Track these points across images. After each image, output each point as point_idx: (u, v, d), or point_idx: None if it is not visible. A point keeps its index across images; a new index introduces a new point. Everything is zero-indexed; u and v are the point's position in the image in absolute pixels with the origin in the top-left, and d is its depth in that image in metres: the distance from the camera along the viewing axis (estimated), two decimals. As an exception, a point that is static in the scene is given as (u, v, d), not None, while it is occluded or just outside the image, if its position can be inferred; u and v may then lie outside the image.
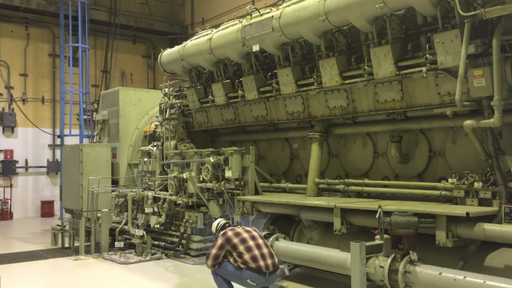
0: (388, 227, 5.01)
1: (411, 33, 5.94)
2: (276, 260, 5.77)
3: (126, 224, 9.54)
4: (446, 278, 4.52)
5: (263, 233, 6.74)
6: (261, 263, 5.59)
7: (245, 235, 5.78)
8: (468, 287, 4.37)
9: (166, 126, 9.71)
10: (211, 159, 7.76)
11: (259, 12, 7.30)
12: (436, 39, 5.39)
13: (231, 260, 5.68)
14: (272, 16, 6.90)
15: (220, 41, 7.88)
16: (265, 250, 5.72)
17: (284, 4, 6.91)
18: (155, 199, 9.26)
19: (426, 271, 4.69)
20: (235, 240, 5.69)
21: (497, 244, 4.99)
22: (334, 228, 6.02)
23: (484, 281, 4.29)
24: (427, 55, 5.54)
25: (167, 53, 9.41)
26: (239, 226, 5.97)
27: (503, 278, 4.29)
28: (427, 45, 5.62)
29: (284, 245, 6.44)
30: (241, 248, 5.63)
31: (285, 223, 7.34)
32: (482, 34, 5.16)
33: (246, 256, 5.59)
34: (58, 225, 10.55)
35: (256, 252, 5.65)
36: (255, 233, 5.87)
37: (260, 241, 5.81)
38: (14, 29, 16.42)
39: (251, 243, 5.71)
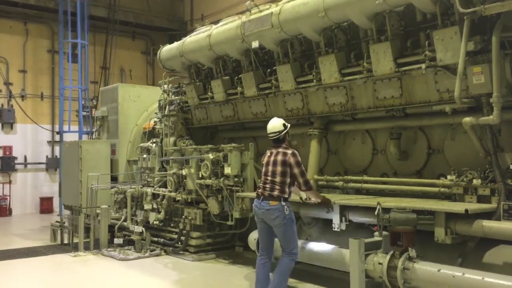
0: (387, 224, 5.02)
1: (411, 30, 5.95)
2: (275, 193, 5.50)
3: (125, 220, 9.54)
4: (445, 275, 4.53)
5: None
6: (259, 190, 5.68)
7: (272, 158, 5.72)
8: (466, 284, 4.38)
9: (165, 123, 9.71)
10: (210, 156, 7.76)
11: (258, 8, 7.29)
12: (436, 36, 5.39)
13: None
14: (272, 12, 6.89)
15: (219, 37, 7.87)
16: (267, 185, 5.59)
17: (284, 1, 6.89)
18: (154, 196, 9.27)
19: (425, 267, 4.70)
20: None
21: (496, 241, 5.00)
22: (333, 224, 6.03)
23: (483, 278, 4.30)
24: (427, 52, 5.54)
25: (166, 50, 9.40)
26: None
27: (502, 275, 4.31)
28: (427, 42, 5.62)
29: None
30: None
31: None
32: (481, 31, 5.16)
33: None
34: (57, 221, 10.55)
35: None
36: (270, 158, 5.69)
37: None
38: (13, 25, 16.36)
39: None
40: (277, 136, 5.75)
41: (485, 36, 5.12)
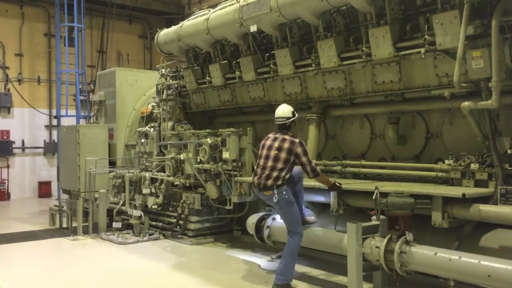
0: (384, 208, 5.04)
1: (410, 14, 5.90)
2: (269, 182, 5.54)
3: (123, 204, 9.56)
4: (441, 258, 4.57)
5: (261, 214, 6.79)
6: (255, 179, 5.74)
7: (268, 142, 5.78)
8: (463, 267, 4.42)
9: (163, 107, 9.69)
10: (209, 140, 7.76)
11: (257, -9, 7.22)
12: (435, 19, 5.35)
13: None
14: (270, -4, 6.83)
15: (217, 21, 7.81)
16: (265, 171, 5.62)
17: (282, -16, 6.82)
18: (153, 180, 9.28)
19: (422, 251, 4.73)
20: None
21: (493, 225, 5.04)
22: (331, 209, 6.06)
23: (479, 261, 4.34)
24: (426, 36, 5.51)
25: (164, 33, 9.33)
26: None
27: (498, 259, 4.34)
28: (426, 26, 5.59)
29: (280, 225, 6.46)
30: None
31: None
32: (481, 15, 5.13)
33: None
34: (55, 205, 10.58)
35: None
36: (275, 143, 5.68)
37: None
38: (9, 8, 16.21)
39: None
40: (284, 122, 5.78)
41: (485, 20, 5.09)
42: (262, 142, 5.87)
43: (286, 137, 5.67)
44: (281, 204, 5.60)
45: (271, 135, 5.84)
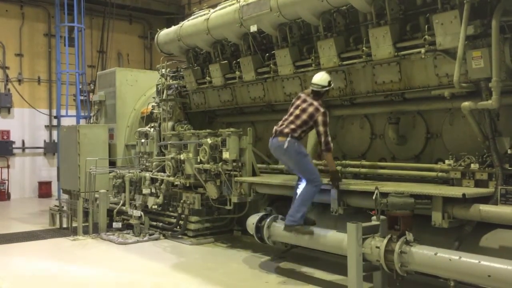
0: (384, 208, 5.05)
1: (410, 14, 5.90)
2: (285, 130, 5.91)
3: (124, 205, 9.56)
4: (442, 259, 4.57)
5: (261, 214, 6.79)
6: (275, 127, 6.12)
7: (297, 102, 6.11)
8: (463, 267, 4.42)
9: (163, 107, 9.69)
10: (209, 140, 7.76)
11: (257, -8, 7.22)
12: (435, 19, 5.36)
13: None
14: (270, -4, 6.82)
15: (217, 21, 7.82)
16: (285, 122, 6.01)
17: (282, -16, 6.82)
18: (153, 180, 9.28)
19: (422, 251, 4.73)
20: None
21: (493, 225, 5.04)
22: (331, 209, 6.06)
23: (479, 262, 4.33)
24: (426, 36, 5.51)
25: (164, 33, 9.34)
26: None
27: (498, 259, 4.34)
28: (426, 26, 5.59)
29: (281, 225, 6.47)
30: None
31: (282, 204, 7.37)
32: (481, 15, 5.13)
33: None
34: (56, 205, 10.58)
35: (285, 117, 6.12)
36: (303, 105, 5.99)
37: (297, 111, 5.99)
38: (9, 8, 16.21)
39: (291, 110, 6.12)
40: (318, 89, 6.00)
41: (485, 20, 5.09)
42: (293, 100, 6.20)
43: (315, 103, 5.92)
44: (292, 153, 5.85)
45: (303, 95, 6.10)
